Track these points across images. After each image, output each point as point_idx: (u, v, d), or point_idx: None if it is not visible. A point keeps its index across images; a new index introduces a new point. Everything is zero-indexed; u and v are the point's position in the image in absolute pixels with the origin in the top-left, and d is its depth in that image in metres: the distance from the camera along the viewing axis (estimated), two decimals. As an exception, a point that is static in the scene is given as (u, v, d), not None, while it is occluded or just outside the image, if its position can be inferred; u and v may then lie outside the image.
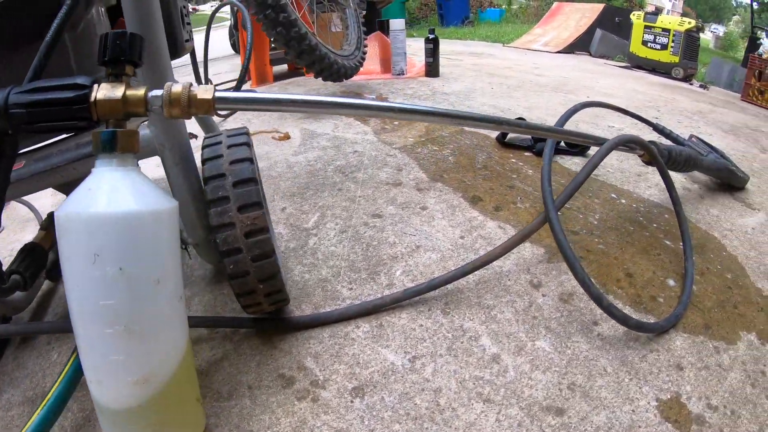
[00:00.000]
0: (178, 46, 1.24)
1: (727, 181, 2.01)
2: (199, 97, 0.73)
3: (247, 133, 1.00)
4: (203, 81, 2.82)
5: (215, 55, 5.01)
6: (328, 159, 1.99)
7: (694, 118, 3.20)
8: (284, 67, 4.27)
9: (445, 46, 6.40)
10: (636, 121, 2.05)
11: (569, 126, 1.32)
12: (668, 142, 2.02)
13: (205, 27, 2.89)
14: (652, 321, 1.18)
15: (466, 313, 1.18)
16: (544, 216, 1.14)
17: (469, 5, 11.56)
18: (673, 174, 1.93)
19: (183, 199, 0.95)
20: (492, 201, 1.65)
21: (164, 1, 1.15)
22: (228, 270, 0.89)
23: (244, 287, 0.92)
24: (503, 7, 13.08)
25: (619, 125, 2.59)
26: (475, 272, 1.25)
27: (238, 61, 5.11)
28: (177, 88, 0.72)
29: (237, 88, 2.41)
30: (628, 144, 1.31)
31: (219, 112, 1.83)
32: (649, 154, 1.39)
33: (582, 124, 2.55)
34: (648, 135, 1.94)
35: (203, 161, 0.92)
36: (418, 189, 1.72)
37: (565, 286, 1.28)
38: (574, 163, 2.00)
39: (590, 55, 6.84)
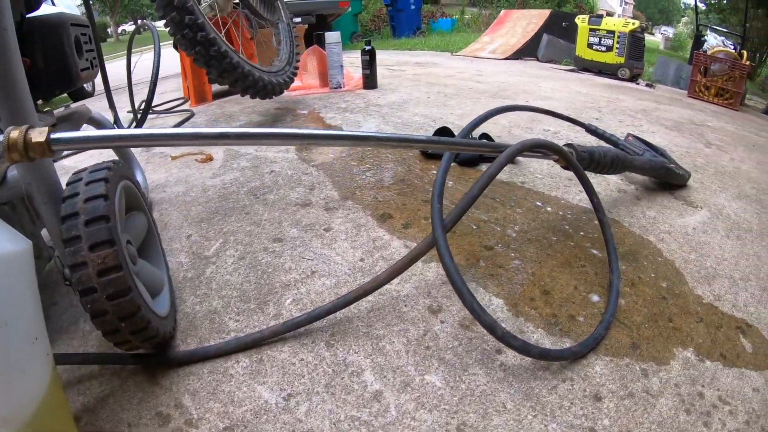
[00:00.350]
0: (72, 76, 1.22)
1: (666, 179, 1.91)
2: (33, 140, 0.71)
3: (109, 168, 0.96)
4: (132, 106, 2.70)
5: (166, 74, 4.88)
6: (244, 180, 1.87)
7: (636, 116, 3.13)
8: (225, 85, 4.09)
9: (392, 56, 6.36)
10: (579, 124, 1.95)
11: (503, 132, 1.18)
12: (601, 143, 1.92)
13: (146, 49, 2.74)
14: (567, 345, 1.05)
15: (352, 344, 1.07)
16: (432, 237, 1.00)
17: (420, 16, 11.57)
18: (607, 176, 1.83)
19: (56, 239, 0.94)
20: (402, 218, 1.52)
21: (53, 30, 1.18)
22: (86, 309, 0.86)
23: (106, 326, 0.89)
24: (455, 16, 13.14)
25: (555, 128, 2.49)
26: (368, 298, 1.15)
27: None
28: (14, 133, 0.70)
29: (140, 124, 2.28)
30: (536, 149, 1.18)
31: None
32: (563, 158, 1.26)
33: (516, 129, 2.45)
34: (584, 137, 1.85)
35: (63, 199, 0.90)
36: (326, 209, 1.60)
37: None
38: (501, 172, 1.87)
39: (538, 60, 6.85)
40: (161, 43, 2.42)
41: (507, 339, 0.92)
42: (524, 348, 0.94)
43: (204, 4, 2.53)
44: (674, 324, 1.18)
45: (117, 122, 2.13)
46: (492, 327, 0.92)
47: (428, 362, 1.02)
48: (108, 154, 1.88)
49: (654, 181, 1.95)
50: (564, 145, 1.36)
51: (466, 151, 1.13)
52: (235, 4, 2.66)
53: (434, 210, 1.02)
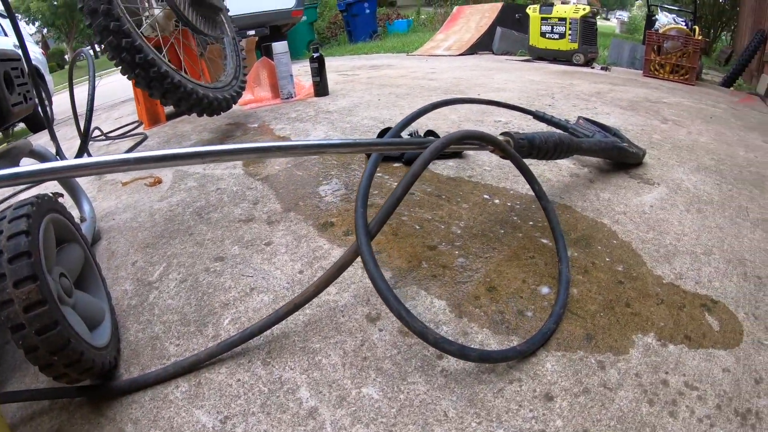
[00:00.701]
0: (2, 112, 1.23)
1: (619, 159, 1.88)
2: None
3: (32, 204, 0.96)
4: (78, 132, 2.62)
5: (123, 98, 4.82)
6: (191, 201, 1.81)
7: (591, 99, 3.11)
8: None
9: (347, 62, 6.33)
10: (525, 111, 1.91)
11: (452, 127, 1.12)
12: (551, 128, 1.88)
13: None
14: (515, 343, 0.99)
15: (288, 361, 1.03)
16: (356, 245, 0.94)
17: (376, 19, 11.59)
18: (559, 162, 1.79)
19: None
20: (344, 225, 1.47)
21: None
22: (18, 346, 0.86)
23: (39, 361, 0.88)
24: (411, 17, 13.17)
25: (507, 119, 2.46)
26: (305, 311, 1.11)
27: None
28: None
29: (80, 154, 2.21)
30: (466, 141, 1.12)
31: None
32: (496, 147, 1.20)
33: (467, 123, 2.41)
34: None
35: None
36: (268, 222, 1.55)
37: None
38: (448, 167, 1.83)
39: (493, 53, 6.87)
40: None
41: (441, 344, 0.87)
42: (461, 352, 0.89)
43: (145, 25, 2.47)
44: (632, 309, 1.13)
45: (59, 153, 2.07)
46: (423, 333, 0.86)
47: (365, 373, 0.97)
48: (53, 186, 1.83)
49: (609, 162, 1.91)
50: (500, 134, 1.31)
51: (385, 151, 1.08)
52: (176, 22, 2.59)
53: (358, 215, 0.96)
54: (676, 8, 8.18)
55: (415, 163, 0.99)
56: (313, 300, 1.09)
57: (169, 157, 0.85)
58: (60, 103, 4.89)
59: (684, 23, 5.42)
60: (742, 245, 1.43)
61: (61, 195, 1.76)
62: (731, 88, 5.15)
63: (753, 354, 1.03)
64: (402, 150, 1.14)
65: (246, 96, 3.46)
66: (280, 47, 3.40)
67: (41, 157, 1.54)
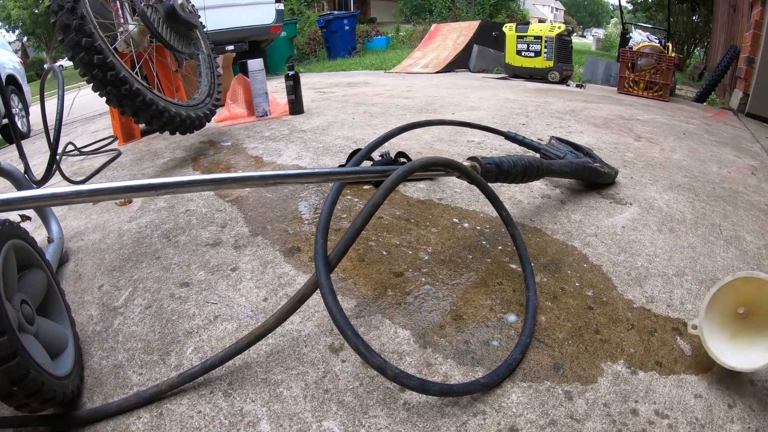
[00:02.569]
0: None
1: (591, 180, 1.87)
2: None
3: None
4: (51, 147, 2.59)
5: (99, 111, 4.77)
6: (159, 222, 1.78)
7: (564, 118, 3.13)
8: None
9: (325, 79, 6.33)
10: (497, 132, 1.90)
11: (424, 148, 1.10)
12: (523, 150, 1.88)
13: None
14: (480, 375, 0.97)
15: (250, 392, 1.00)
16: (315, 276, 0.92)
17: (355, 36, 11.67)
18: (530, 183, 1.78)
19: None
20: (311, 250, 1.45)
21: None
22: None
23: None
24: (390, 34, 13.27)
25: (480, 138, 2.46)
26: (268, 341, 1.09)
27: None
28: None
29: (44, 180, 2.17)
30: (430, 168, 1.10)
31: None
32: (462, 173, 1.19)
33: (439, 143, 2.41)
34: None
35: None
36: (235, 247, 1.53)
37: (373, 345, 1.07)
38: (418, 189, 1.81)
39: (470, 71, 6.93)
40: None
41: (400, 379, 0.85)
42: (422, 387, 0.87)
43: (119, 40, 2.45)
44: (602, 335, 1.12)
45: (27, 171, 2.03)
46: (382, 368, 0.84)
47: (326, 406, 0.95)
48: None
49: (581, 182, 1.91)
50: (467, 159, 1.30)
51: (346, 180, 1.05)
52: (151, 38, 2.57)
53: (317, 246, 0.94)
54: (650, 26, 8.34)
55: (376, 193, 0.98)
56: (276, 329, 1.06)
57: (122, 189, 0.83)
58: (37, 114, 4.85)
59: (657, 41, 5.50)
60: (715, 264, 1.43)
61: (29, 218, 1.76)
62: (704, 104, 5.23)
63: (726, 378, 1.02)
64: (363, 179, 1.12)
65: (222, 113, 3.44)
66: (255, 65, 3.39)
67: (8, 175, 1.52)
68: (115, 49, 2.25)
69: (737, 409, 0.94)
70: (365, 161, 1.37)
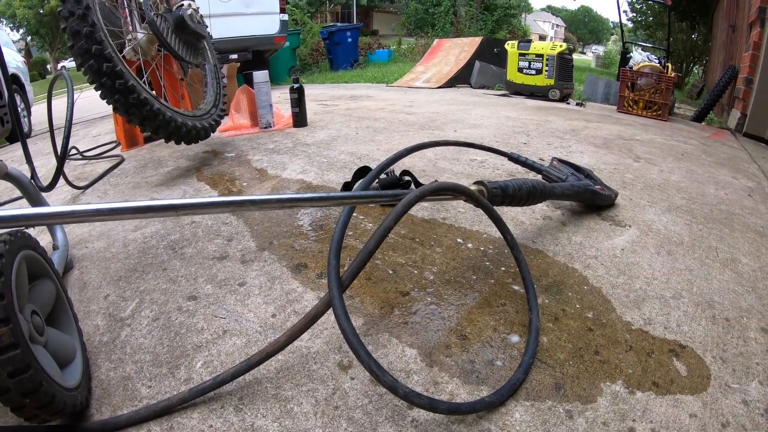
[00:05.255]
0: None
1: (591, 202, 1.90)
2: None
3: (5, 242, 0.94)
4: (55, 153, 2.60)
5: (103, 114, 4.77)
6: (165, 233, 1.80)
7: (565, 137, 3.16)
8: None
9: (327, 91, 6.36)
10: (500, 153, 1.93)
11: (428, 166, 1.13)
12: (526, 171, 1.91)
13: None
14: (485, 393, 1.00)
15: (260, 408, 1.01)
16: (329, 297, 0.95)
17: (357, 48, 11.75)
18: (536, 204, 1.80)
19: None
20: (317, 267, 1.47)
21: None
22: None
23: (11, 403, 0.87)
24: (392, 47, 13.35)
25: (483, 157, 2.49)
26: (278, 357, 1.11)
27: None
28: None
29: (51, 186, 2.19)
30: (440, 193, 1.13)
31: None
32: (469, 198, 1.22)
33: (443, 161, 2.43)
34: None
35: None
36: (243, 261, 1.54)
37: (381, 364, 1.08)
38: (422, 208, 1.84)
39: (471, 86, 6.98)
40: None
41: (410, 398, 0.87)
42: (431, 405, 0.89)
43: (127, 48, 2.48)
44: (601, 357, 1.14)
45: (34, 177, 2.04)
46: (393, 387, 0.87)
47: (336, 423, 0.96)
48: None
49: (581, 204, 1.94)
50: (473, 183, 1.33)
51: (356, 204, 1.08)
52: (159, 47, 2.60)
53: (330, 268, 0.97)
54: (650, 45, 8.41)
55: (388, 217, 1.01)
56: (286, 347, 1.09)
57: (143, 209, 0.85)
58: (39, 114, 4.86)
59: (657, 60, 5.56)
60: (711, 287, 1.45)
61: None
62: (702, 123, 5.28)
63: (720, 398, 1.04)
64: (375, 203, 1.15)
65: (225, 123, 3.46)
66: (260, 76, 3.41)
67: (15, 180, 1.53)
68: (123, 56, 2.28)
69: (730, 429, 0.96)
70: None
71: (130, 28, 2.57)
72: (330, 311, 0.99)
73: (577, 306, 1.32)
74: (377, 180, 1.85)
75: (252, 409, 1.00)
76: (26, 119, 5.80)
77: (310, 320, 0.99)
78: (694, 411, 1.01)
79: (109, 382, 1.11)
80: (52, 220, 0.80)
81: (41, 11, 28.23)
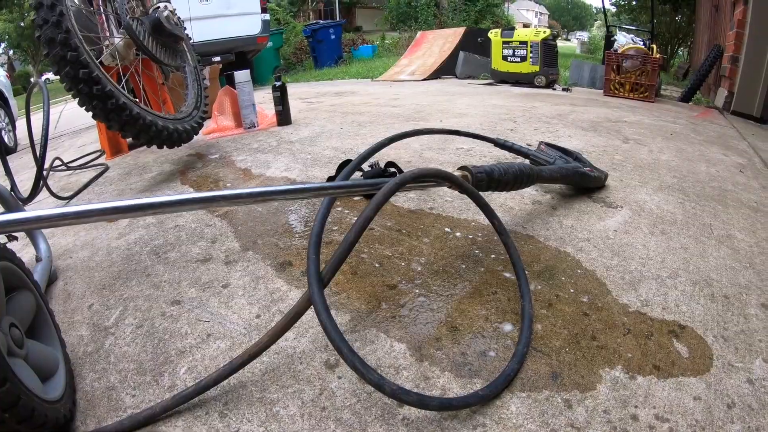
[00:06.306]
0: None
1: (581, 185, 1.87)
2: None
3: None
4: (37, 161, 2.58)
5: (87, 125, 4.73)
6: (149, 239, 1.76)
7: (552, 122, 3.14)
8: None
9: (312, 88, 6.33)
10: (486, 139, 1.90)
11: (414, 156, 1.09)
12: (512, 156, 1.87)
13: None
14: (478, 386, 0.96)
15: (245, 412, 0.98)
16: (309, 294, 0.91)
17: (341, 45, 11.73)
18: (521, 189, 1.77)
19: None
20: (302, 265, 1.44)
21: None
22: None
23: None
24: (376, 43, 13.31)
25: (469, 146, 2.46)
26: (262, 359, 1.07)
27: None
28: None
29: (31, 197, 2.15)
30: (422, 179, 1.09)
31: None
32: (453, 184, 1.18)
33: (429, 151, 2.40)
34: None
35: None
36: (226, 263, 1.51)
37: (369, 360, 1.05)
38: (408, 199, 1.80)
39: (456, 77, 6.95)
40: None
41: (398, 395, 0.84)
42: (420, 402, 0.86)
43: (105, 53, 2.44)
44: (598, 342, 1.11)
45: (14, 189, 2.01)
46: (380, 385, 0.83)
47: (324, 424, 0.93)
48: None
49: (571, 187, 1.91)
50: (458, 168, 1.29)
51: (334, 195, 1.04)
52: (137, 51, 2.56)
53: (309, 262, 0.93)
54: (633, 28, 8.41)
55: (368, 207, 0.97)
56: (270, 347, 1.05)
57: (110, 210, 0.81)
58: (24, 128, 4.82)
59: (642, 42, 5.54)
60: (708, 264, 1.43)
61: (16, 238, 1.72)
62: (690, 103, 5.28)
63: (724, 378, 1.01)
64: (353, 193, 1.11)
65: (209, 125, 3.42)
66: (241, 76, 3.38)
67: None
68: (101, 62, 2.24)
69: (737, 409, 0.94)
70: (355, 172, 1.36)
71: (107, 33, 2.53)
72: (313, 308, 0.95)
73: (571, 290, 1.29)
74: (362, 173, 1.81)
75: (237, 414, 0.97)
76: (11, 134, 5.72)
77: (291, 318, 0.96)
78: (698, 393, 0.98)
79: (93, 393, 1.08)
80: (18, 227, 0.76)
81: (22, 24, 28.03)
